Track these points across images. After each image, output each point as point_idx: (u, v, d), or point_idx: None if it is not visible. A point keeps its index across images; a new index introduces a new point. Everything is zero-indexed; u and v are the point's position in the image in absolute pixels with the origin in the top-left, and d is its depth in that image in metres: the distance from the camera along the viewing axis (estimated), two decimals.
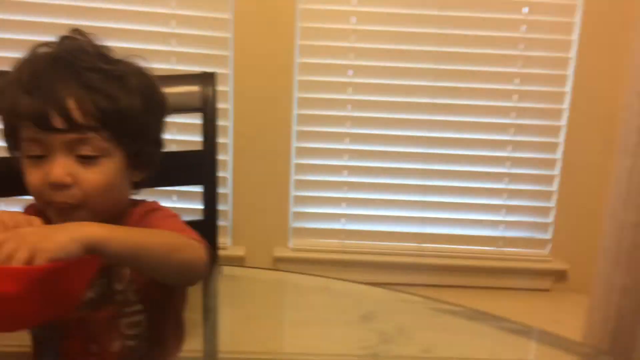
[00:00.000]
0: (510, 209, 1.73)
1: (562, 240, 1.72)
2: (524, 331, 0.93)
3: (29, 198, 0.79)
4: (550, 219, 1.73)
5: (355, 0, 1.64)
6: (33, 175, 0.75)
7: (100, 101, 0.74)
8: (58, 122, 0.73)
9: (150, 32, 1.62)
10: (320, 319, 0.84)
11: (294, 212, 1.75)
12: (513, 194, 1.72)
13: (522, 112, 1.69)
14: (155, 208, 0.82)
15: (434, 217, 1.74)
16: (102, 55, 0.78)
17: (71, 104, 0.73)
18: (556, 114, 1.69)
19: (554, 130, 1.70)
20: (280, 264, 1.73)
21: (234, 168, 1.68)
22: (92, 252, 0.63)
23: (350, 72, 1.68)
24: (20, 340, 0.76)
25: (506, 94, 1.68)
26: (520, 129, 1.70)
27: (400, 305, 0.89)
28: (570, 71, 1.67)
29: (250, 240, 1.73)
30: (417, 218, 1.75)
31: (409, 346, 0.83)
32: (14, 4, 1.61)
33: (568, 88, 1.67)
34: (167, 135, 0.85)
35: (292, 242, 1.76)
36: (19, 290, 0.58)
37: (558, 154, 1.70)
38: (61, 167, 0.74)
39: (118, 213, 0.79)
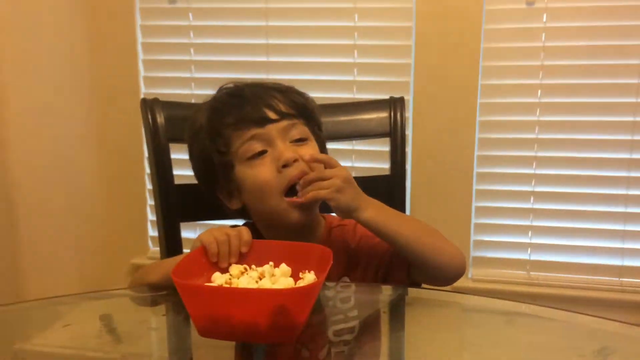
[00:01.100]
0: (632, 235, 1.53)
1: None
2: None
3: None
4: None
5: (544, 16, 1.55)
6: (260, 170, 0.88)
7: (294, 97, 0.93)
8: (272, 114, 0.89)
9: (333, 63, 1.67)
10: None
11: (475, 240, 1.67)
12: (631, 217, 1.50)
13: None
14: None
15: (636, 249, 1.57)
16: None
17: (275, 102, 0.91)
18: None
19: None
20: None
21: (412, 196, 1.64)
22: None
23: (539, 92, 1.59)
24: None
25: None
26: None
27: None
28: None
29: None
30: (617, 249, 1.58)
31: None
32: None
33: None
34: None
35: (472, 272, 1.68)
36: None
37: None
38: (288, 148, 0.88)
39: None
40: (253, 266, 0.75)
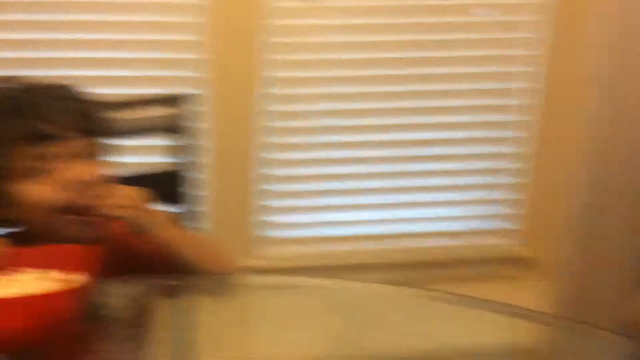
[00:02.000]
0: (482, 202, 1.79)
1: (533, 229, 1.77)
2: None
3: None
4: (520, 209, 1.78)
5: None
6: (37, 189, 0.84)
7: (80, 107, 0.89)
8: (55, 130, 0.84)
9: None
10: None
11: (264, 220, 1.75)
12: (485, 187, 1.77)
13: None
14: None
15: (409, 217, 1.78)
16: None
17: (59, 115, 0.86)
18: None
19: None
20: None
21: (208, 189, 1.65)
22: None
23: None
24: None
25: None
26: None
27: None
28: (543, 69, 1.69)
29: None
30: (394, 219, 1.78)
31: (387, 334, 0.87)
32: None
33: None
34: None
35: (260, 252, 1.76)
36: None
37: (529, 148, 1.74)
38: (70, 167, 0.85)
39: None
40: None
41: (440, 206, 1.79)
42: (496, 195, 1.77)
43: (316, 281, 1.05)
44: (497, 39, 1.69)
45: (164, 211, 0.93)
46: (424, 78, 1.70)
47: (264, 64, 1.64)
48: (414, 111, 1.72)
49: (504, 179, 1.76)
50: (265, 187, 1.72)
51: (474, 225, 1.79)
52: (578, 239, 1.55)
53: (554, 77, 1.68)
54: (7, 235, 0.88)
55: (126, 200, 0.85)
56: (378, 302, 1.02)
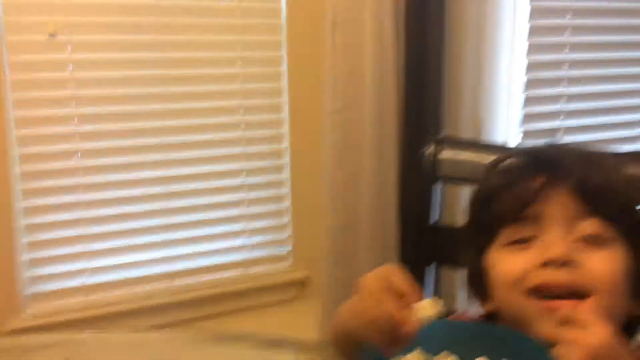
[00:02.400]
0: (251, 233, 1.84)
1: (301, 250, 1.87)
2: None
3: None
4: (287, 233, 1.87)
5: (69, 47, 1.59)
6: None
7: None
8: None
9: None
10: None
11: (29, 276, 1.62)
12: (251, 218, 1.83)
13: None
14: None
15: (179, 255, 1.77)
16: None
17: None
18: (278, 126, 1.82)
19: (277, 139, 1.82)
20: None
21: None
22: None
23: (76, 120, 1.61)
24: None
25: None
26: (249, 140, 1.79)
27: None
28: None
29: None
30: (163, 258, 1.75)
31: None
32: None
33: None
34: None
35: (31, 309, 1.62)
36: None
37: (285, 174, 1.84)
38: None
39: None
40: None
41: (210, 240, 1.80)
42: (261, 224, 1.84)
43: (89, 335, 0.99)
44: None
45: None
46: (177, 112, 1.71)
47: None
48: (170, 147, 1.72)
49: (265, 208, 1.83)
50: (30, 238, 1.60)
51: (245, 255, 1.83)
52: (334, 257, 1.67)
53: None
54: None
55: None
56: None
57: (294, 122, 1.80)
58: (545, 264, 0.62)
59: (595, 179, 0.65)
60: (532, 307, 0.62)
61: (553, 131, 1.95)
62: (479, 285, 0.70)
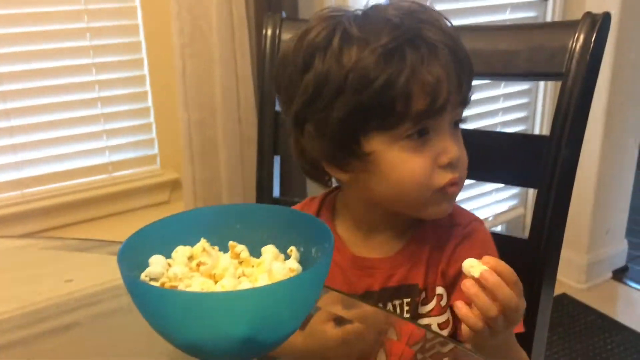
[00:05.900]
0: (111, 133, 1.71)
1: (168, 152, 1.76)
2: None
3: None
4: (152, 134, 1.75)
5: None
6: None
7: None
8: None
9: None
10: None
11: None
12: (110, 117, 1.69)
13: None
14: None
15: (33, 159, 1.63)
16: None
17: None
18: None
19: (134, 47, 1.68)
20: None
21: None
22: None
23: None
24: None
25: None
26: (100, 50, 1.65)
27: None
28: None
29: None
30: (13, 163, 1.62)
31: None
32: None
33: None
34: None
35: None
36: None
37: (145, 70, 1.70)
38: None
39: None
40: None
41: (73, 142, 1.67)
42: (126, 123, 1.72)
43: None
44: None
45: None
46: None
47: None
48: None
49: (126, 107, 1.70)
50: None
51: (113, 158, 1.72)
52: (191, 154, 1.57)
53: None
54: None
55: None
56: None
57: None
58: (443, 167, 0.73)
59: (463, 56, 0.73)
60: (434, 197, 0.74)
61: None
62: (339, 158, 0.76)
